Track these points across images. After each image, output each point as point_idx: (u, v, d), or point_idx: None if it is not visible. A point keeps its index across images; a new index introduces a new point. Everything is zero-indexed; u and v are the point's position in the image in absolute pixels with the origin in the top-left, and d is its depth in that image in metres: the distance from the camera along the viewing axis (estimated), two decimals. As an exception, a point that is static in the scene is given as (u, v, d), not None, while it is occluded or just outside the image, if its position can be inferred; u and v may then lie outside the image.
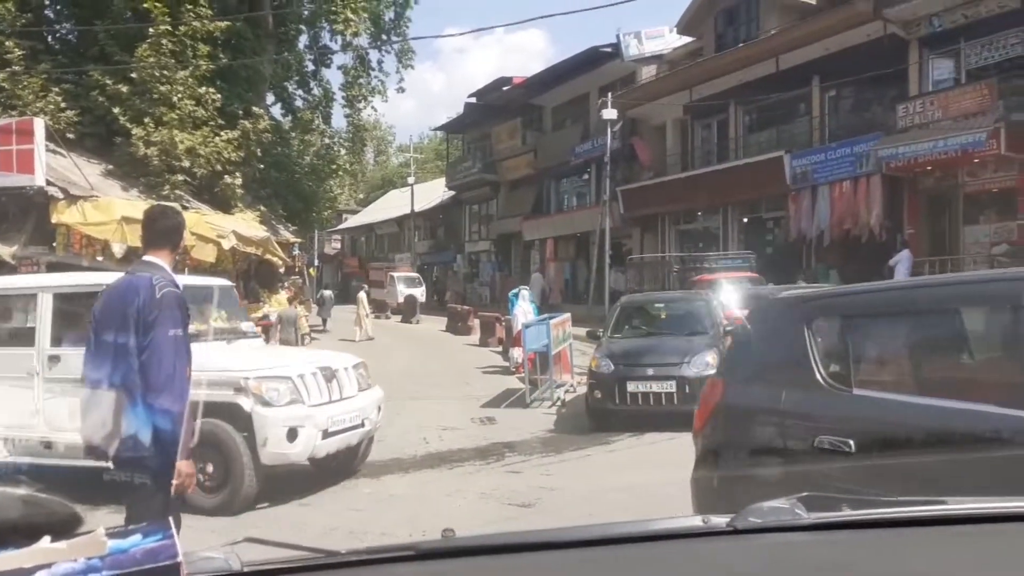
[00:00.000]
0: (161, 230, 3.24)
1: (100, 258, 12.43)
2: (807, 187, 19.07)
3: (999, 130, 14.63)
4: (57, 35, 17.88)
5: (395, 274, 34.74)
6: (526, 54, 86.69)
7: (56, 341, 6.38)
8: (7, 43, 14.32)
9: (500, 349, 17.02)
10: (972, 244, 16.63)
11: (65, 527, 1.14)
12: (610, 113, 25.00)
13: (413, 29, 27.87)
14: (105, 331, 2.95)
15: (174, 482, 2.86)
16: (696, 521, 1.30)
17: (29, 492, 1.29)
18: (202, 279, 8.71)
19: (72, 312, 6.23)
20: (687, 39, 25.09)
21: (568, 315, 13.10)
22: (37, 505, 1.23)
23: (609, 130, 25.28)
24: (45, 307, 6.46)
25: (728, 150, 23.09)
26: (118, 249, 12.92)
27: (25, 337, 6.60)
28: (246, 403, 6.03)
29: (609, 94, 25.74)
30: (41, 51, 15.64)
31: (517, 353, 13.34)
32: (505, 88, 33.39)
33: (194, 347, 3.17)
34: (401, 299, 31.18)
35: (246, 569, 1.11)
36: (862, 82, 18.58)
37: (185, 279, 4.99)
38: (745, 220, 22.69)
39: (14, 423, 6.28)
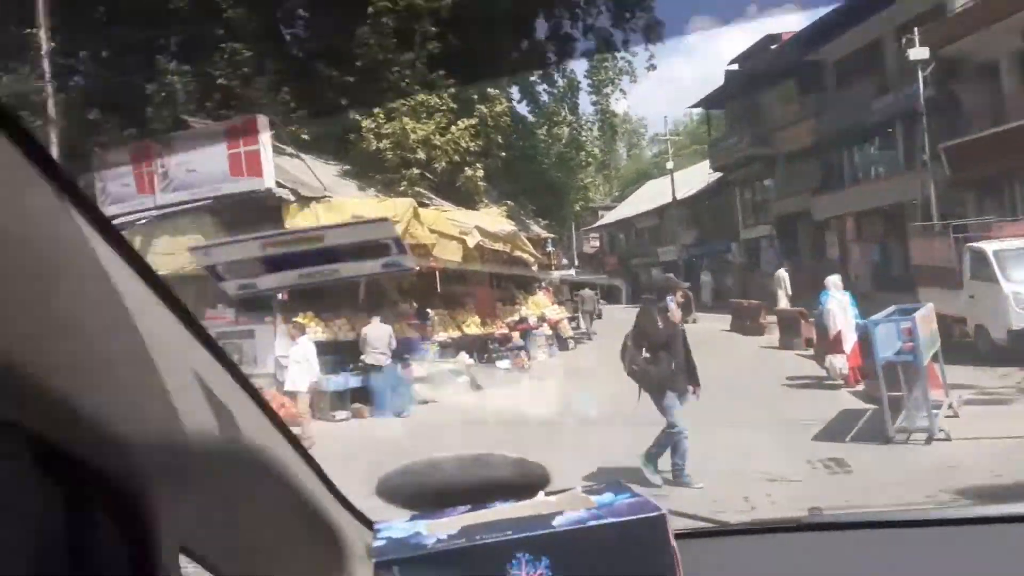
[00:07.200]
0: None
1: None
2: None
3: None
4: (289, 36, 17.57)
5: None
6: (784, 8, 78.37)
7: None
8: (236, 45, 13.74)
9: (809, 353, 13.38)
10: None
11: (540, 485, 1.24)
12: (919, 52, 21.26)
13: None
14: None
15: None
16: None
17: (519, 456, 1.35)
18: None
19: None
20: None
21: (931, 306, 8.96)
22: (524, 466, 1.31)
23: (920, 73, 21.29)
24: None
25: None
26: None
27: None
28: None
29: (915, 30, 21.52)
30: (270, 52, 15.07)
31: (839, 360, 10.90)
32: (773, 47, 29.38)
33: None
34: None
35: None
36: None
37: None
38: None
39: None
